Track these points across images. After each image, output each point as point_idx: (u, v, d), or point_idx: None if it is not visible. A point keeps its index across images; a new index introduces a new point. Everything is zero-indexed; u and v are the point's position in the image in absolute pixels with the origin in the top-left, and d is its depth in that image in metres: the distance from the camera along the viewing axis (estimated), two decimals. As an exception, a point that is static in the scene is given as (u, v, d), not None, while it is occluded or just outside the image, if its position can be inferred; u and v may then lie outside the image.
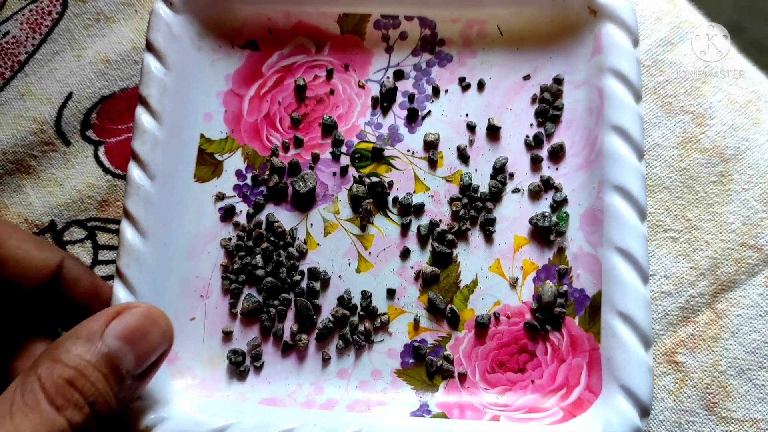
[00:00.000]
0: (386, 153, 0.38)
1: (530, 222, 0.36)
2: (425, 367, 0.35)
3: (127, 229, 0.34)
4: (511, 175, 0.37)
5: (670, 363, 0.36)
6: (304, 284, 0.36)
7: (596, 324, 0.34)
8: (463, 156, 0.37)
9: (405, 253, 0.36)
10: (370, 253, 0.37)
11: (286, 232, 0.37)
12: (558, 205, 0.36)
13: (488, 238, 0.36)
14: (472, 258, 0.36)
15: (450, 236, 0.36)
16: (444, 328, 0.35)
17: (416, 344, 0.35)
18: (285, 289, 0.36)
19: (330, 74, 0.39)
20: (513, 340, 0.35)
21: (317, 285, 0.36)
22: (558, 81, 0.37)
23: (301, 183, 0.37)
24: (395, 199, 0.37)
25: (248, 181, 0.38)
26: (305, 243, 0.37)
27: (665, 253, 0.37)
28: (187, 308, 0.36)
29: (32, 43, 0.42)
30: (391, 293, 0.36)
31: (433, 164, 0.38)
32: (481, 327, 0.35)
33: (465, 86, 0.38)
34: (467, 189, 0.37)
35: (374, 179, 0.37)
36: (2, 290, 0.30)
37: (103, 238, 0.39)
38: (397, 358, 0.35)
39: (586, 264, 0.35)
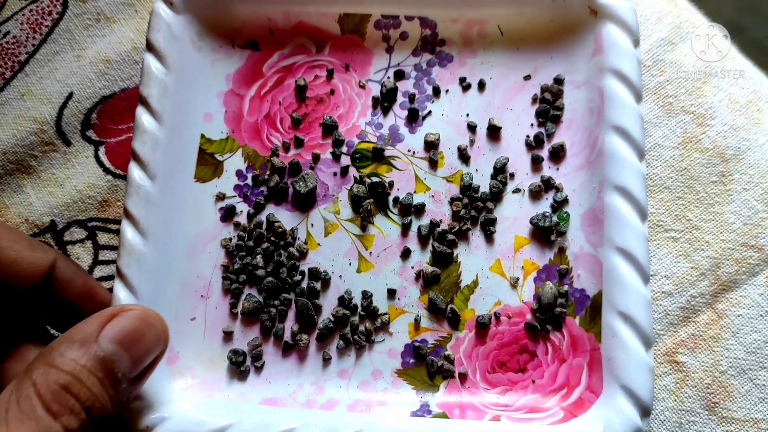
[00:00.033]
0: (387, 153, 0.38)
1: (531, 222, 0.36)
2: (426, 367, 0.35)
3: (127, 229, 0.34)
4: (512, 175, 0.37)
5: (670, 363, 0.36)
6: (304, 284, 0.36)
7: (597, 324, 0.34)
8: (463, 156, 0.37)
9: (405, 253, 0.36)
10: (370, 253, 0.37)
11: (286, 232, 0.37)
12: (559, 205, 0.36)
13: (489, 238, 0.36)
14: (472, 258, 0.36)
15: (450, 236, 0.36)
16: (445, 328, 0.35)
17: (417, 344, 0.35)
18: (285, 289, 0.36)
19: (330, 74, 0.39)
20: (514, 340, 0.35)
21: (318, 285, 0.36)
22: (559, 81, 0.37)
23: (301, 183, 0.37)
24: (396, 199, 0.37)
25: (249, 181, 0.38)
26: (306, 243, 0.37)
27: (666, 253, 0.37)
28: (188, 308, 0.36)
29: (32, 43, 0.42)
30: (391, 293, 0.36)
31: (433, 164, 0.38)
32: (482, 327, 0.35)
33: (465, 86, 0.38)
34: (468, 189, 0.37)
35: (375, 179, 0.37)
36: None
37: (103, 238, 0.39)
38: (397, 358, 0.35)
39: (587, 264, 0.35)
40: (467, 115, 0.38)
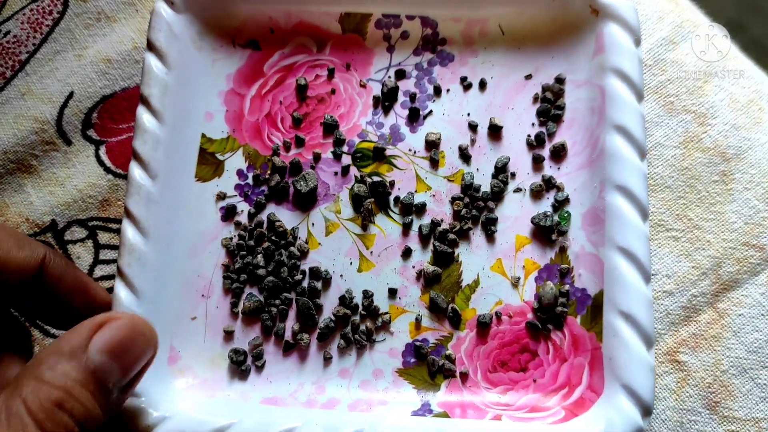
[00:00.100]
0: (388, 152, 0.38)
1: (532, 221, 0.36)
2: (427, 366, 0.35)
3: (128, 229, 0.34)
4: (513, 175, 0.37)
5: (672, 362, 0.36)
6: (305, 284, 0.36)
7: (598, 323, 0.34)
8: (464, 155, 0.37)
9: (406, 253, 0.36)
10: (371, 252, 0.37)
11: (287, 232, 0.37)
12: (560, 204, 0.36)
13: (490, 237, 0.36)
14: (473, 257, 0.36)
15: (451, 236, 0.36)
16: (446, 328, 0.35)
17: (418, 343, 0.35)
18: (286, 288, 0.36)
19: (331, 74, 0.39)
20: (515, 339, 0.35)
21: (318, 284, 0.36)
22: (560, 80, 0.37)
23: (302, 182, 0.37)
24: (397, 199, 0.37)
25: (249, 180, 0.38)
26: (306, 242, 0.37)
27: (667, 253, 0.37)
28: (189, 308, 0.36)
29: (33, 43, 0.42)
30: (392, 293, 0.36)
31: (434, 164, 0.38)
32: (483, 326, 0.35)
33: (466, 85, 0.38)
34: (469, 188, 0.37)
35: (376, 179, 0.37)
36: None
37: (104, 237, 0.39)
38: (398, 357, 0.35)
39: (588, 263, 0.35)
40: (468, 114, 0.38)
